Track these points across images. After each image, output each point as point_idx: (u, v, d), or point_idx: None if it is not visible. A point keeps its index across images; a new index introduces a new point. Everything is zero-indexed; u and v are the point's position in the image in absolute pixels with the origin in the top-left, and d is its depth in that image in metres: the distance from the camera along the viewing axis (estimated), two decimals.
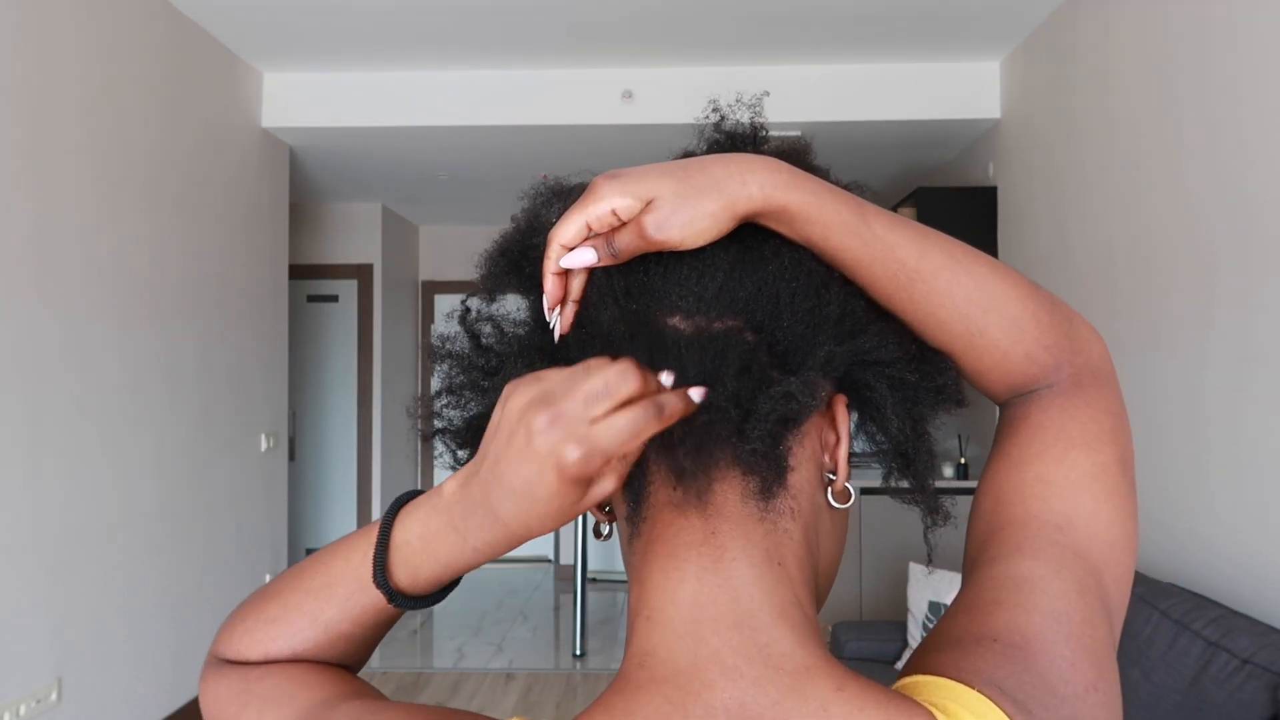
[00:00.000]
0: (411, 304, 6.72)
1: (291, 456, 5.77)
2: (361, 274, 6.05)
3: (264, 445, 4.16)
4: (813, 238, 0.47)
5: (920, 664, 0.45)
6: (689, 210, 0.45)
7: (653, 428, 0.41)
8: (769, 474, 0.46)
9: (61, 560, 2.78)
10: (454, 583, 0.54)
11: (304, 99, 4.17)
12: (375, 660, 4.54)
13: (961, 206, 4.06)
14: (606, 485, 0.43)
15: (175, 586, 3.41)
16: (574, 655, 4.46)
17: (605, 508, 0.51)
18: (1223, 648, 1.92)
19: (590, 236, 0.47)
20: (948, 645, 0.45)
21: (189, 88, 3.54)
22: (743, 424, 0.45)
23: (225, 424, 3.80)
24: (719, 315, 0.46)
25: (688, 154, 0.54)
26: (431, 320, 6.81)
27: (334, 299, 6.09)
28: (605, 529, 0.52)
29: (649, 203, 0.45)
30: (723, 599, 0.44)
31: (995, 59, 3.97)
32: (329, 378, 6.10)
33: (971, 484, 4.09)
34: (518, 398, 0.43)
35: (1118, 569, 0.48)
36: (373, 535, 0.52)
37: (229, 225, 3.86)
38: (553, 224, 0.51)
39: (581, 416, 0.41)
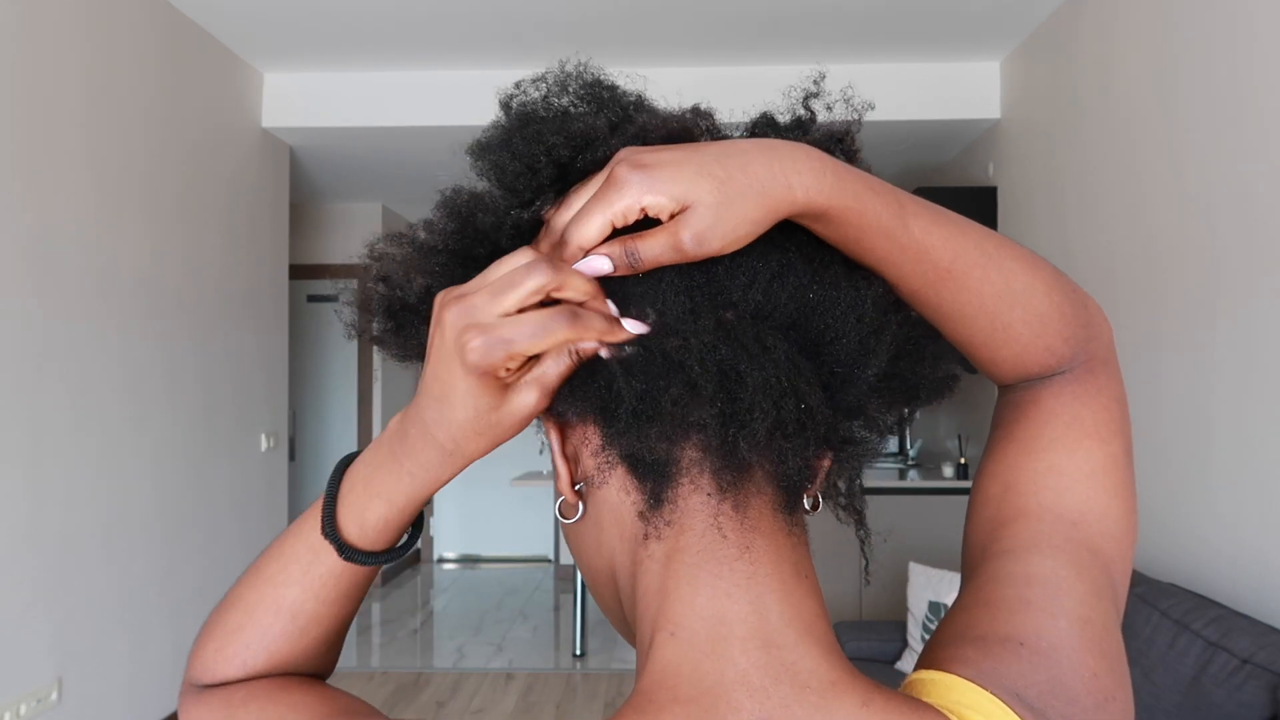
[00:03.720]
0: None
1: (291, 456, 5.77)
2: (361, 274, 6.05)
3: (264, 445, 4.15)
4: (846, 239, 0.44)
5: (935, 657, 0.44)
6: (730, 218, 0.41)
7: (560, 333, 0.41)
8: (799, 489, 0.46)
9: (61, 560, 2.78)
10: (410, 538, 0.53)
11: (304, 99, 4.17)
12: (375, 660, 4.54)
13: (961, 206, 3.99)
14: (528, 397, 0.43)
15: (175, 586, 3.41)
16: (574, 655, 4.46)
17: (576, 486, 0.47)
18: (1223, 648, 1.92)
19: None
20: (967, 641, 0.44)
21: (189, 88, 3.54)
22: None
23: (225, 424, 3.80)
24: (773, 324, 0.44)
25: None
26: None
27: (334, 299, 6.08)
28: (578, 510, 0.48)
29: (684, 208, 0.41)
30: (753, 617, 0.42)
31: (995, 59, 3.97)
32: (329, 378, 6.10)
33: (971, 484, 4.09)
34: (440, 301, 0.43)
35: (1123, 563, 0.49)
36: (320, 503, 0.52)
37: (229, 225, 3.86)
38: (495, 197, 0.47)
39: (486, 307, 0.41)
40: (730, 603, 0.42)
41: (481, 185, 0.49)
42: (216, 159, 3.76)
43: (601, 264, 0.42)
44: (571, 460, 0.47)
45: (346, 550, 0.50)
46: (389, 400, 6.15)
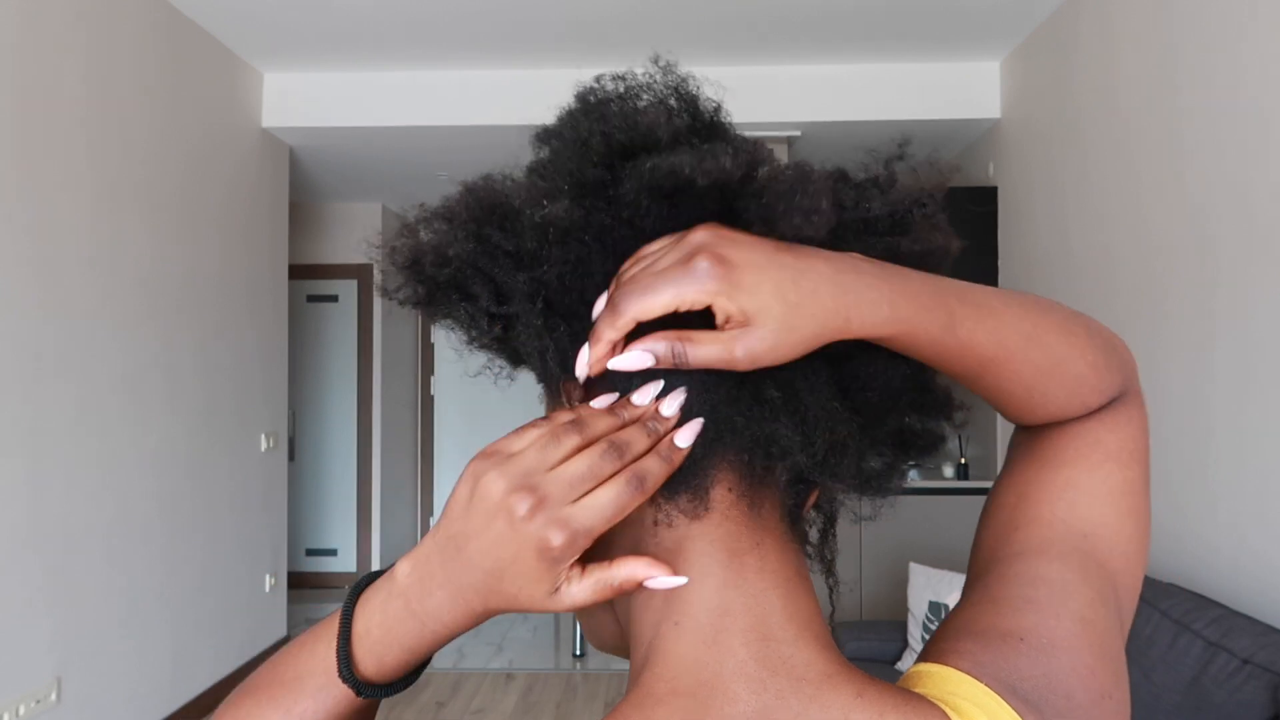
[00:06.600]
0: None
1: (291, 456, 5.77)
2: (361, 274, 6.04)
3: (264, 445, 4.16)
4: (894, 347, 0.45)
5: (936, 651, 0.45)
6: (786, 342, 0.41)
7: (635, 501, 0.41)
8: (800, 504, 0.47)
9: (61, 560, 2.78)
10: (424, 663, 0.53)
11: (304, 99, 4.17)
12: None
13: (961, 206, 4.06)
14: (578, 594, 0.42)
15: (175, 587, 3.41)
16: (574, 655, 4.46)
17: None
18: (1223, 648, 1.92)
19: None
20: (967, 636, 0.45)
21: (189, 88, 3.54)
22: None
23: (225, 424, 3.80)
24: None
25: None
26: (432, 321, 6.81)
27: (334, 299, 6.08)
28: None
29: (747, 320, 0.41)
30: (756, 609, 0.43)
31: (995, 59, 3.97)
32: (329, 378, 6.10)
33: (971, 484, 4.09)
34: (491, 480, 0.41)
35: (1131, 581, 0.50)
36: (336, 625, 0.51)
37: (229, 225, 3.86)
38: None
39: (564, 499, 0.41)
40: (736, 594, 0.43)
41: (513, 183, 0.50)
42: (216, 159, 3.76)
43: (645, 360, 0.42)
44: None
45: (364, 690, 0.50)
46: (389, 400, 6.15)
